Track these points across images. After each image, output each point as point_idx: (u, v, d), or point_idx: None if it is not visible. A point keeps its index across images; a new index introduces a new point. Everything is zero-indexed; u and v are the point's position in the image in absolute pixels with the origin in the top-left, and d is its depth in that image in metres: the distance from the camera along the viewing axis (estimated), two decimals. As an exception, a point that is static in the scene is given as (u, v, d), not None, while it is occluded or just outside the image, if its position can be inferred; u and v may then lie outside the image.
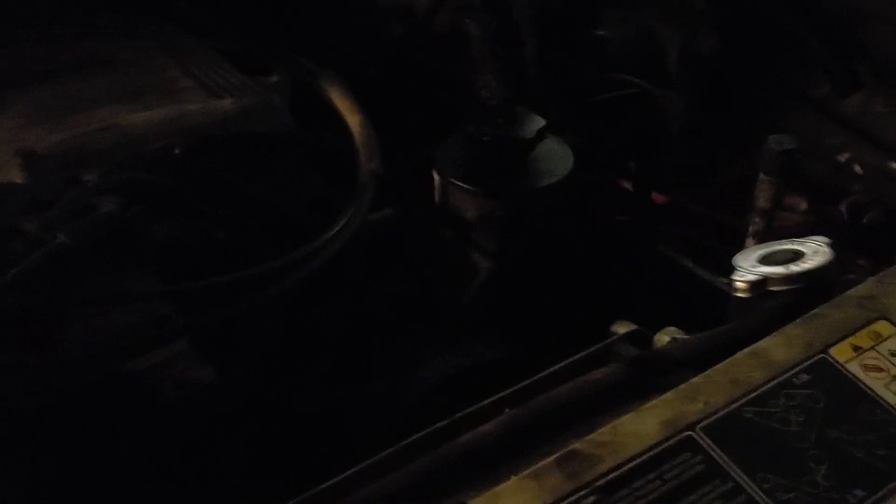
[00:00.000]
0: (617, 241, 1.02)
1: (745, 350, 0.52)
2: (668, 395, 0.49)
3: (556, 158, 0.88)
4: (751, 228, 0.81)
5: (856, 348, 0.52)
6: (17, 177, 0.80)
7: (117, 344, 0.66)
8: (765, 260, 0.61)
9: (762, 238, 0.80)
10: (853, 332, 0.53)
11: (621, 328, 0.65)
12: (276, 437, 0.74)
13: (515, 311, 0.84)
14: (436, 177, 0.87)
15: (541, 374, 0.56)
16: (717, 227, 1.03)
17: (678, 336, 0.61)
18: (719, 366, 0.51)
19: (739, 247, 0.83)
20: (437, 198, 0.88)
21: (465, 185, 0.84)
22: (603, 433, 0.46)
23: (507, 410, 0.52)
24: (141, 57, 1.01)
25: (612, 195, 1.09)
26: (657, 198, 1.08)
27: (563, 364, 0.57)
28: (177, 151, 0.82)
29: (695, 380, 0.50)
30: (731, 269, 0.62)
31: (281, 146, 0.91)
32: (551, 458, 0.45)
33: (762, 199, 0.78)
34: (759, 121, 1.13)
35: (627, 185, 1.10)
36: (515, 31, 1.01)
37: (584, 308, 0.86)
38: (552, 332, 0.81)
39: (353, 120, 0.86)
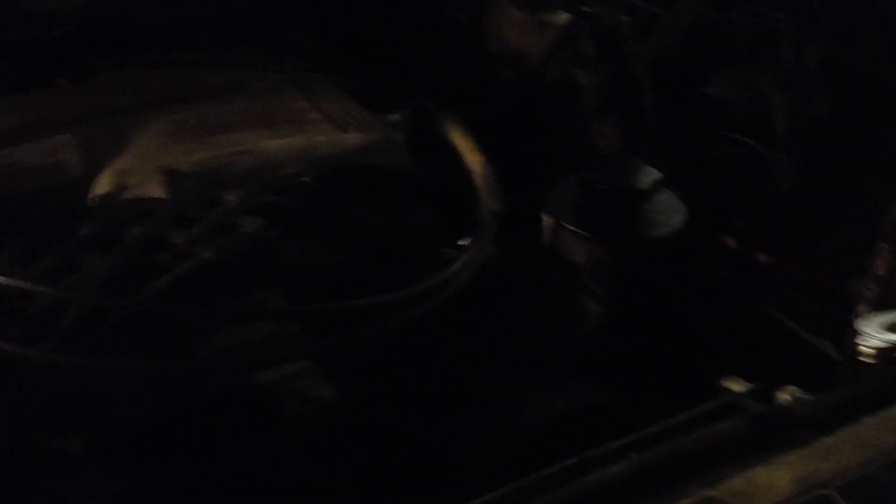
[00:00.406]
0: (719, 298, 1.02)
1: (876, 414, 0.53)
2: (801, 451, 0.50)
3: (670, 211, 0.90)
4: (866, 294, 0.81)
5: None
6: (158, 192, 0.86)
7: (248, 357, 0.69)
8: (891, 327, 0.62)
9: (877, 305, 0.80)
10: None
11: (734, 385, 0.65)
12: (384, 461, 0.76)
13: (621, 357, 0.85)
14: (547, 220, 0.89)
15: (666, 422, 0.57)
16: (822, 291, 1.02)
17: (799, 395, 0.61)
18: (849, 427, 0.52)
19: (844, 311, 0.83)
20: (547, 240, 0.90)
21: (579, 231, 0.86)
22: (736, 482, 0.47)
23: (633, 454, 0.54)
24: (271, 88, 1.07)
25: (716, 252, 1.10)
26: (762, 258, 1.08)
27: (686, 414, 0.58)
28: (306, 179, 0.87)
29: (826, 439, 0.51)
30: (834, 333, 0.62)
31: (398, 181, 0.95)
32: (687, 502, 0.46)
33: (880, 266, 0.78)
34: (869, 185, 1.13)
35: (732, 242, 1.11)
36: (631, 82, 1.04)
37: (685, 360, 0.87)
38: (654, 381, 0.82)
39: (474, 160, 0.89)
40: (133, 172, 0.90)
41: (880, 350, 0.59)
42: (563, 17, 1.16)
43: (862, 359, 0.60)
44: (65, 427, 0.65)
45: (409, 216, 0.92)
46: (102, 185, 0.90)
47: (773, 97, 1.13)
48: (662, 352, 0.87)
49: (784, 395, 0.62)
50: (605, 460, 0.53)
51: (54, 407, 0.65)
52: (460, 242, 0.86)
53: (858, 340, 0.61)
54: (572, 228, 0.86)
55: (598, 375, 0.84)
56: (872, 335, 0.61)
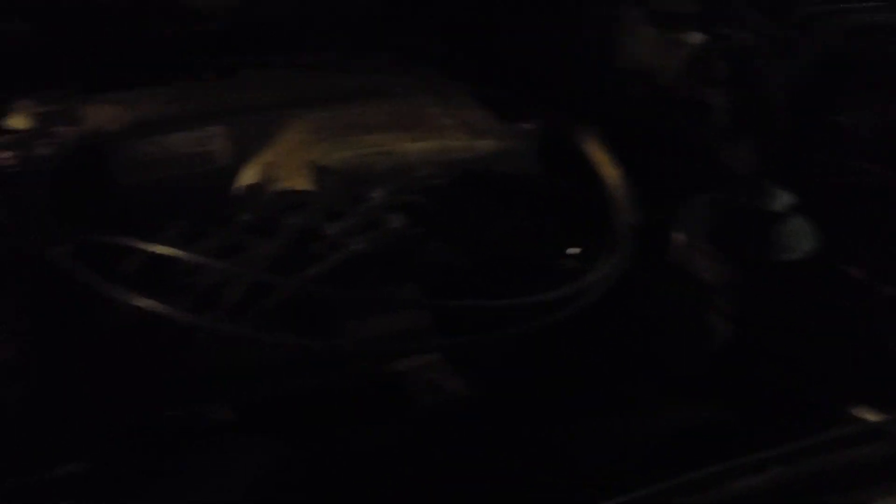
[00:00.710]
0: (841, 328, 1.01)
1: None
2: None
3: (802, 235, 0.89)
4: None
5: None
6: (304, 185, 0.90)
7: (394, 344, 0.72)
8: None
9: None
10: None
11: (866, 414, 0.65)
12: (505, 458, 0.79)
13: (746, 376, 0.85)
14: (677, 237, 0.90)
15: (809, 440, 0.58)
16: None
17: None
18: None
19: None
20: (676, 257, 0.91)
21: (711, 249, 0.86)
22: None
23: (775, 468, 0.54)
24: (406, 93, 1.11)
25: (840, 282, 1.08)
26: (888, 291, 1.06)
27: (827, 435, 0.59)
28: (440, 182, 0.90)
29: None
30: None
31: (527, 189, 0.97)
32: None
33: None
34: None
35: (857, 273, 1.09)
36: (765, 106, 1.04)
37: (808, 385, 0.86)
38: (777, 403, 0.82)
39: (611, 173, 0.90)
40: (279, 165, 0.95)
41: None
42: (697, 36, 1.16)
43: None
44: (219, 397, 0.69)
45: (536, 225, 0.95)
46: (249, 175, 0.95)
47: (909, 128, 1.11)
48: (787, 375, 0.87)
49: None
50: (746, 471, 0.54)
51: (211, 378, 0.69)
52: (570, 251, 0.88)
53: None
54: (704, 247, 0.87)
55: (724, 394, 0.84)
56: None
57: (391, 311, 0.75)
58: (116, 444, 0.69)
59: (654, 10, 1.22)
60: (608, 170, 0.92)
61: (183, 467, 0.69)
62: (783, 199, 0.89)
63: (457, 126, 1.03)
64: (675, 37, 1.19)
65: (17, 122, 0.97)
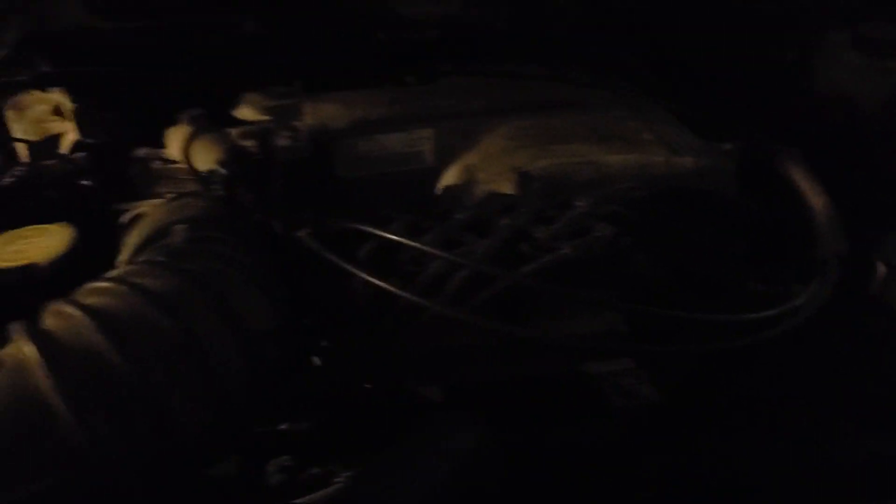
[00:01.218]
0: None
1: None
2: None
3: None
4: None
5: None
6: (507, 189, 0.95)
7: (589, 343, 0.76)
8: None
9: None
10: None
11: None
12: (686, 465, 0.81)
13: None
14: (882, 268, 0.89)
15: None
16: None
17: None
18: None
19: None
20: (877, 288, 0.90)
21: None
22: None
23: None
24: (606, 105, 1.14)
25: None
26: None
27: None
28: (642, 195, 0.93)
29: None
30: None
31: (725, 209, 0.99)
32: None
33: None
34: None
35: None
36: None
37: None
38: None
39: (818, 200, 0.90)
40: (482, 169, 1.00)
41: None
42: (903, 65, 1.14)
43: None
44: (431, 378, 0.75)
45: (734, 245, 0.96)
46: (451, 176, 1.01)
47: None
48: None
49: None
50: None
51: (426, 360, 0.75)
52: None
53: None
54: (907, 279, 0.86)
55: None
56: None
57: (591, 313, 0.79)
58: (338, 409, 0.76)
59: (861, 36, 1.20)
60: (814, 196, 0.92)
61: (395, 436, 0.75)
62: None
63: (656, 141, 1.05)
64: (882, 64, 1.17)
65: (248, 113, 1.08)
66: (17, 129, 1.08)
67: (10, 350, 0.55)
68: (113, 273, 0.64)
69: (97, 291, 0.61)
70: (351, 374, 0.77)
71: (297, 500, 0.69)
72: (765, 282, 0.90)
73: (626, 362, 0.80)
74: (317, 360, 0.79)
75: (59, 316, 0.57)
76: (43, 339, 0.54)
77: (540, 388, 0.77)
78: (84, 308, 0.57)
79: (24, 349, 0.53)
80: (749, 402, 0.82)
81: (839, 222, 0.88)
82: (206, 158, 0.86)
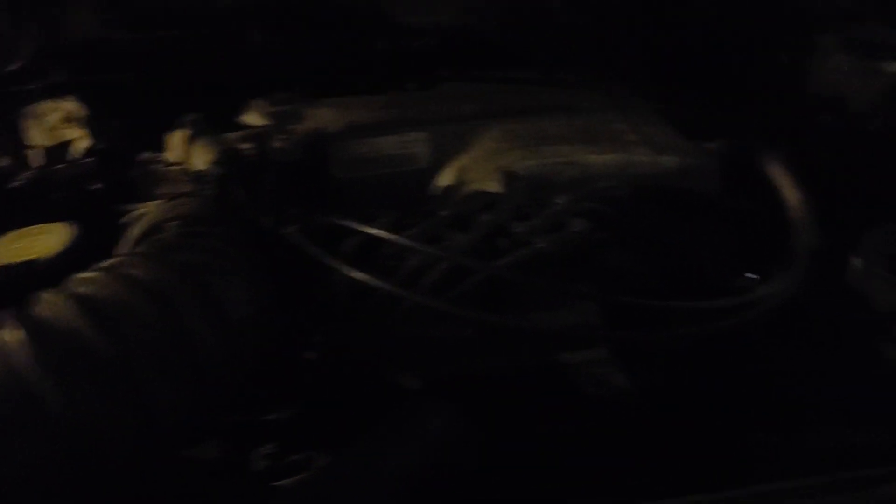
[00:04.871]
0: None
1: None
2: None
3: None
4: None
5: None
6: (495, 188, 0.99)
7: (565, 331, 0.79)
8: None
9: None
10: None
11: None
12: (662, 455, 0.83)
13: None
14: (857, 262, 0.91)
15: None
16: None
17: None
18: None
19: None
20: (853, 282, 0.92)
21: (889, 276, 0.87)
22: None
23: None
24: (595, 108, 1.17)
25: None
26: None
27: None
28: (623, 192, 0.96)
29: None
30: None
31: (707, 206, 1.01)
32: None
33: None
34: None
35: None
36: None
37: None
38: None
39: (794, 196, 0.93)
40: (473, 170, 1.04)
41: None
42: (893, 66, 1.15)
43: None
44: (411, 369, 0.78)
45: (714, 242, 0.98)
46: (445, 177, 1.05)
47: None
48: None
49: None
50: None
51: (406, 351, 0.79)
52: (748, 276, 0.90)
53: None
54: (882, 274, 0.87)
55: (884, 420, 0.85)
56: None
57: (566, 306, 0.82)
58: (320, 397, 0.79)
59: (852, 38, 1.22)
60: (791, 192, 0.94)
61: (374, 423, 0.78)
62: (973, 233, 0.88)
63: (641, 142, 1.08)
64: (872, 66, 1.19)
65: (253, 118, 1.13)
66: (33, 136, 1.14)
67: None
68: (102, 264, 0.69)
69: (85, 281, 0.65)
70: (335, 365, 0.81)
71: (276, 484, 0.73)
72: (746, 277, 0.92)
73: (599, 353, 0.83)
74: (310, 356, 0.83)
75: (47, 302, 0.61)
76: (28, 322, 0.58)
77: (515, 376, 0.80)
78: (71, 295, 0.61)
79: (10, 331, 0.58)
80: (724, 392, 0.85)
81: (813, 218, 0.90)
82: (201, 160, 0.90)
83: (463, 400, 0.80)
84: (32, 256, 0.80)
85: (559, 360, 0.82)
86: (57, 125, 1.16)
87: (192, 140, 0.94)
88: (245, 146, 0.96)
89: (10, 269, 0.78)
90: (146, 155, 1.01)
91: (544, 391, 0.81)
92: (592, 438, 0.80)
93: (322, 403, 0.80)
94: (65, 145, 1.12)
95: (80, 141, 1.12)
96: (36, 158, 1.08)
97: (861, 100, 1.17)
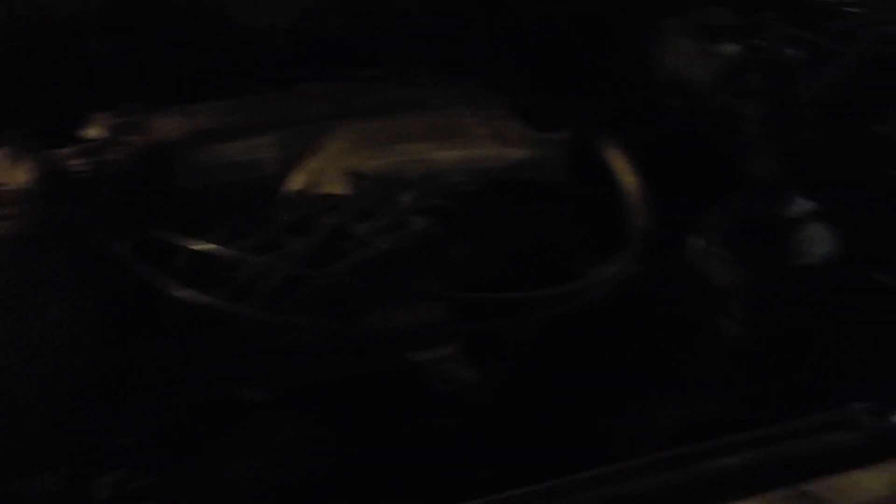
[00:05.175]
0: (864, 331, 1.03)
1: None
2: (903, 462, 0.53)
3: (819, 242, 0.92)
4: None
5: None
6: (342, 190, 0.98)
7: (405, 330, 0.79)
8: None
9: None
10: None
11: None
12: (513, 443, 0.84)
13: (754, 375, 0.88)
14: (696, 242, 0.94)
15: (782, 427, 0.61)
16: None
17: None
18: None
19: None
20: (695, 261, 0.94)
21: (728, 254, 0.90)
22: (835, 481, 0.51)
23: (746, 450, 0.58)
24: (446, 104, 1.17)
25: (868, 288, 1.09)
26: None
27: (804, 421, 0.62)
28: (470, 188, 0.96)
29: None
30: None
31: (555, 196, 1.02)
32: (788, 493, 0.50)
33: None
34: None
35: (885, 279, 1.10)
36: (796, 117, 1.06)
37: (819, 385, 0.89)
38: (787, 398, 0.85)
39: (629, 180, 0.95)
40: (322, 172, 1.02)
41: None
42: (731, 48, 1.19)
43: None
44: (256, 380, 0.76)
45: (561, 230, 0.99)
46: (296, 181, 1.03)
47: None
48: (801, 372, 0.89)
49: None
50: (720, 453, 0.59)
51: (244, 363, 0.77)
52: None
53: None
54: (720, 252, 0.90)
55: (733, 392, 0.87)
56: None
57: (412, 305, 0.82)
58: (165, 421, 0.77)
59: (691, 22, 1.26)
60: (626, 177, 0.96)
61: (223, 441, 0.76)
62: (802, 207, 0.91)
63: (489, 136, 1.09)
64: (710, 48, 1.22)
65: (94, 132, 1.08)
66: None
67: None
68: None
69: None
70: (178, 384, 0.78)
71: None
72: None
73: (448, 349, 0.82)
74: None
75: None
76: None
77: (364, 379, 0.79)
78: None
79: None
80: (566, 373, 0.86)
81: (647, 201, 0.92)
82: (23, 179, 0.86)
83: (311, 408, 0.79)
84: None
85: (408, 360, 0.81)
86: None
87: (12, 158, 0.89)
88: (76, 162, 0.92)
89: None
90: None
91: (394, 392, 0.80)
92: (444, 434, 0.80)
93: (165, 425, 0.77)
94: None
95: None
96: None
97: (701, 81, 1.20)
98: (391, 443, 0.79)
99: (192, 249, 0.77)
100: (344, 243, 0.82)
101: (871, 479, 0.51)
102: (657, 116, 1.24)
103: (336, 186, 0.98)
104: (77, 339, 0.67)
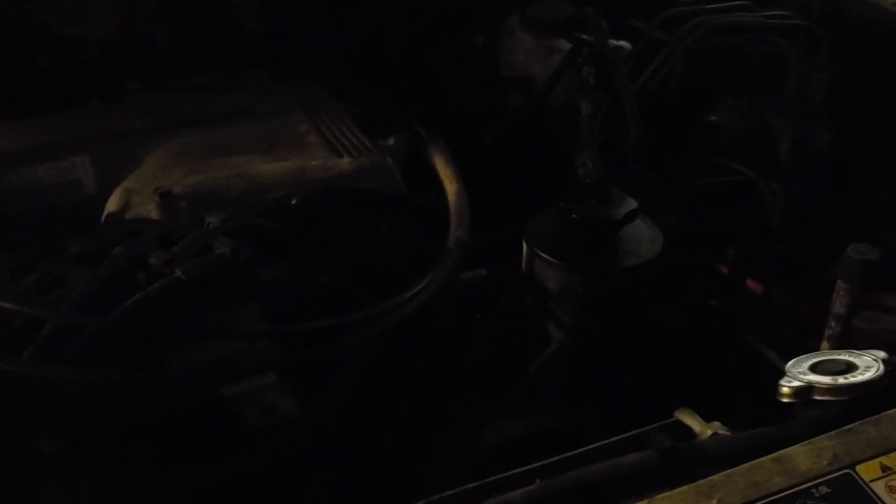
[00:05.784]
0: (705, 326, 1.03)
1: (771, 455, 0.54)
2: (685, 488, 0.52)
3: (645, 240, 0.91)
4: (826, 332, 0.81)
5: (885, 468, 0.53)
6: (154, 213, 0.92)
7: (213, 371, 0.74)
8: (817, 368, 0.63)
9: (837, 344, 0.80)
10: (886, 452, 0.54)
11: (683, 416, 0.67)
12: (348, 473, 0.80)
13: (584, 384, 0.87)
14: (525, 247, 0.92)
15: (576, 451, 0.60)
16: (809, 323, 1.02)
17: (721, 432, 0.63)
18: (742, 466, 0.53)
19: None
20: (524, 267, 0.93)
21: (551, 258, 0.88)
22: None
23: (537, 481, 0.56)
24: (277, 111, 1.12)
25: (708, 280, 1.11)
26: (753, 286, 1.09)
27: (599, 444, 0.61)
28: (294, 201, 0.92)
29: (714, 477, 0.53)
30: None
31: (389, 205, 0.99)
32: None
33: (839, 305, 0.79)
34: (869, 219, 1.12)
35: (725, 270, 1.11)
36: (622, 114, 1.05)
37: (657, 388, 0.88)
38: (620, 409, 0.84)
39: (451, 188, 0.92)
40: (137, 192, 0.96)
41: (796, 389, 0.60)
42: (567, 43, 1.18)
43: (782, 398, 0.61)
44: (43, 430, 0.70)
45: (401, 239, 0.96)
46: (112, 203, 0.96)
47: (776, 126, 1.13)
48: (633, 380, 0.89)
49: (707, 431, 0.64)
50: (508, 485, 0.56)
51: (33, 411, 0.71)
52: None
53: (782, 380, 0.63)
54: (544, 256, 0.89)
55: (563, 402, 0.86)
56: (795, 375, 0.62)
57: (215, 337, 0.77)
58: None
59: (528, 17, 1.24)
60: (450, 184, 0.93)
61: (17, 497, 0.70)
62: (624, 207, 0.90)
63: (320, 144, 1.04)
64: (549, 43, 1.21)
65: None
66: None
67: None
68: None
69: None
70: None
71: None
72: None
73: (268, 378, 0.78)
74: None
75: None
76: None
77: (171, 420, 0.74)
78: None
79: None
80: (390, 393, 0.83)
81: (467, 210, 0.90)
82: None
83: (113, 455, 0.73)
84: None
85: (221, 393, 0.76)
86: None
87: None
88: None
89: None
90: None
91: (204, 428, 0.75)
92: (259, 468, 0.75)
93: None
94: None
95: None
96: None
97: (541, 77, 1.19)
98: (199, 485, 0.74)
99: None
100: (141, 275, 0.76)
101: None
102: (504, 116, 1.21)
103: (149, 209, 0.92)
104: None
